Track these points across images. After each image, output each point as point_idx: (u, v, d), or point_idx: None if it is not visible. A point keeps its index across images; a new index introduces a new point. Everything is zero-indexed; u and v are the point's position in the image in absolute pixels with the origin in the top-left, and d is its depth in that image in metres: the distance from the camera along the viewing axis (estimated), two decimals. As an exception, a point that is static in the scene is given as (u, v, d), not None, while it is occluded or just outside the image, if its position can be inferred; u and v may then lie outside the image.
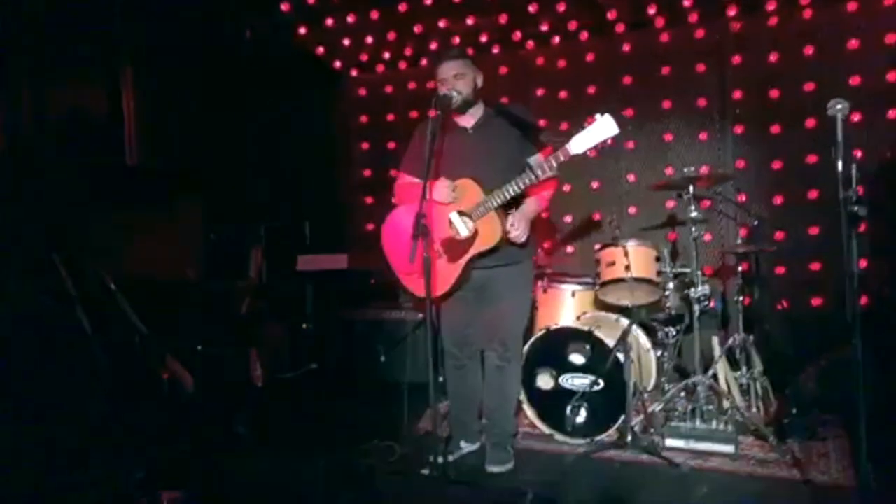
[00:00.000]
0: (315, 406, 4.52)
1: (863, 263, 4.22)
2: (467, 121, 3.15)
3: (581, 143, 2.76)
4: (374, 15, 5.06)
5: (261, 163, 5.81)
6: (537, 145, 3.04)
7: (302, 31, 5.28)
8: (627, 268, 3.61)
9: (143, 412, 3.79)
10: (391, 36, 5.33)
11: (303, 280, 5.50)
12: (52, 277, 3.79)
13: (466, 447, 3.36)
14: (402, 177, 3.30)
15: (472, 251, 2.99)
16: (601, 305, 4.04)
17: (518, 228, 2.97)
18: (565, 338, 3.56)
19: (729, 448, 3.22)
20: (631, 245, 3.72)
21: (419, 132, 3.24)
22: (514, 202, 2.99)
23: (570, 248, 5.28)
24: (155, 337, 4.02)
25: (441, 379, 3.36)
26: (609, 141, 2.75)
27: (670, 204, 4.85)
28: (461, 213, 2.97)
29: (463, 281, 3.08)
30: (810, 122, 4.56)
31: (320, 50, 5.60)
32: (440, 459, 2.84)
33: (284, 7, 4.97)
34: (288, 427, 4.08)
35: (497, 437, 3.23)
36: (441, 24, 5.11)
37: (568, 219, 5.24)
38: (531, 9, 4.83)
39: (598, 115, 2.74)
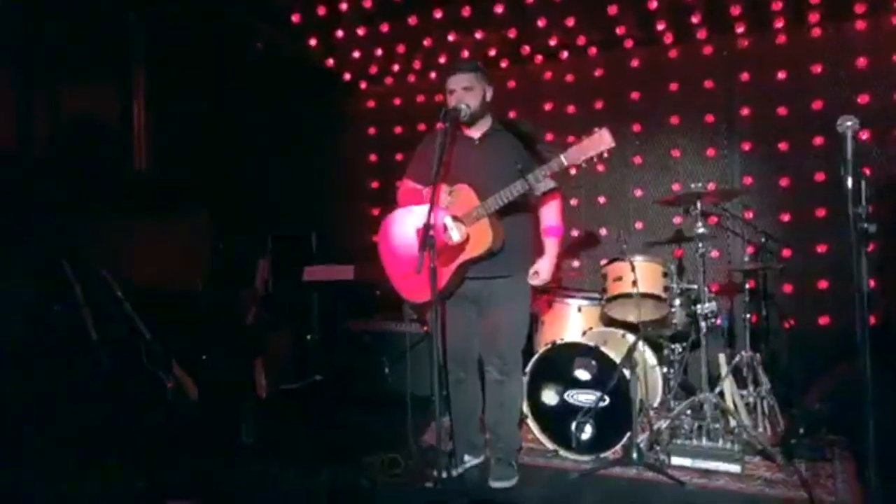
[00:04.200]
0: (319, 417, 4.50)
1: (872, 282, 4.19)
2: (474, 132, 3.17)
3: (576, 154, 2.78)
4: (384, 28, 5.09)
5: (269, 173, 5.84)
6: (541, 160, 3.05)
7: (312, 42, 5.31)
8: (634, 283, 3.60)
9: (148, 420, 3.79)
10: (400, 49, 5.36)
11: (308, 291, 5.50)
12: (61, 283, 3.81)
13: (470, 461, 3.35)
14: (406, 183, 3.33)
15: (463, 257, 3.00)
16: (607, 321, 4.03)
17: (541, 273, 3.11)
18: (571, 353, 3.54)
19: (735, 467, 3.19)
20: (638, 260, 3.71)
21: (425, 142, 3.27)
22: (510, 209, 3.00)
23: (576, 263, 5.27)
24: (160, 345, 4.02)
25: (445, 392, 3.35)
26: (606, 154, 2.76)
27: (677, 220, 4.84)
28: (455, 219, 2.98)
29: (453, 286, 3.08)
30: (818, 140, 4.56)
31: (330, 62, 5.64)
32: (444, 473, 2.82)
33: (295, 18, 5.01)
34: (292, 438, 4.07)
35: (501, 451, 3.21)
36: (450, 37, 5.13)
37: (575, 233, 5.23)
38: (540, 23, 4.85)
39: (596, 129, 2.76)
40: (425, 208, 2.73)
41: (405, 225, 3.13)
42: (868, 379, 2.37)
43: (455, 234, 2.97)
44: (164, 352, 4.02)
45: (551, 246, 3.19)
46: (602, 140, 2.74)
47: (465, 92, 3.05)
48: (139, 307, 4.05)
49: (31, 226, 3.89)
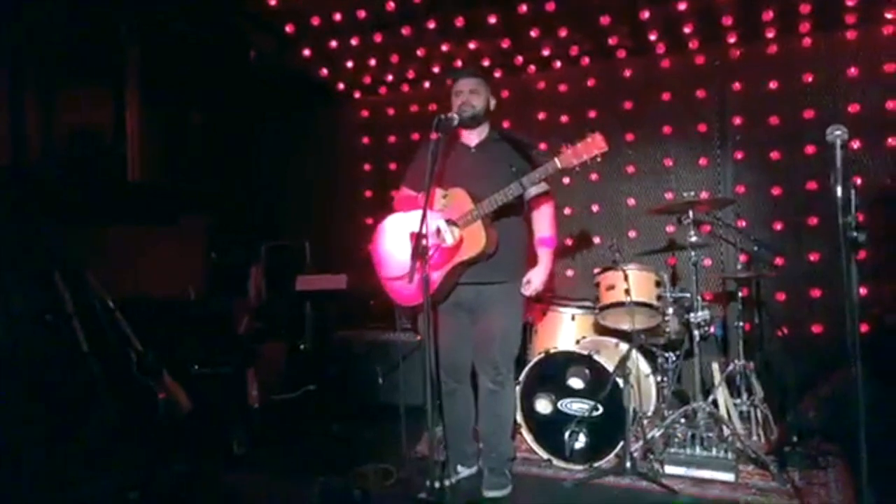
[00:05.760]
0: (312, 427, 4.48)
1: (863, 290, 4.21)
2: (472, 139, 3.20)
3: (569, 158, 2.79)
4: (378, 38, 5.10)
5: (263, 182, 5.84)
6: (536, 165, 3.06)
7: (306, 52, 5.32)
8: (627, 292, 3.60)
9: (139, 431, 3.77)
10: (394, 59, 5.37)
11: (301, 300, 5.48)
12: (52, 293, 3.80)
13: (463, 471, 3.33)
14: (402, 191, 3.35)
15: (456, 259, 3.00)
16: (601, 329, 4.03)
17: (534, 283, 3.12)
18: (564, 362, 3.54)
19: (729, 476, 3.18)
20: (631, 269, 3.71)
21: (423, 150, 3.27)
22: (504, 218, 3.03)
23: (569, 272, 5.27)
24: (152, 355, 4.00)
25: (438, 402, 3.33)
26: (599, 157, 2.77)
27: (670, 228, 4.85)
28: (449, 222, 2.98)
29: (446, 289, 3.08)
30: (810, 149, 4.58)
31: (324, 71, 5.64)
32: (437, 484, 2.80)
33: (289, 29, 5.02)
34: (285, 448, 4.04)
35: (494, 461, 3.19)
36: (444, 47, 5.15)
37: (568, 242, 5.23)
38: (533, 34, 4.87)
39: (589, 132, 2.78)
40: (419, 213, 2.73)
41: (399, 229, 3.13)
42: (860, 387, 2.37)
43: (449, 238, 2.97)
44: (155, 362, 3.99)
45: (545, 257, 3.20)
46: (595, 143, 2.76)
47: (472, 95, 3.11)
48: (131, 317, 4.03)
49: (23, 236, 3.87)
